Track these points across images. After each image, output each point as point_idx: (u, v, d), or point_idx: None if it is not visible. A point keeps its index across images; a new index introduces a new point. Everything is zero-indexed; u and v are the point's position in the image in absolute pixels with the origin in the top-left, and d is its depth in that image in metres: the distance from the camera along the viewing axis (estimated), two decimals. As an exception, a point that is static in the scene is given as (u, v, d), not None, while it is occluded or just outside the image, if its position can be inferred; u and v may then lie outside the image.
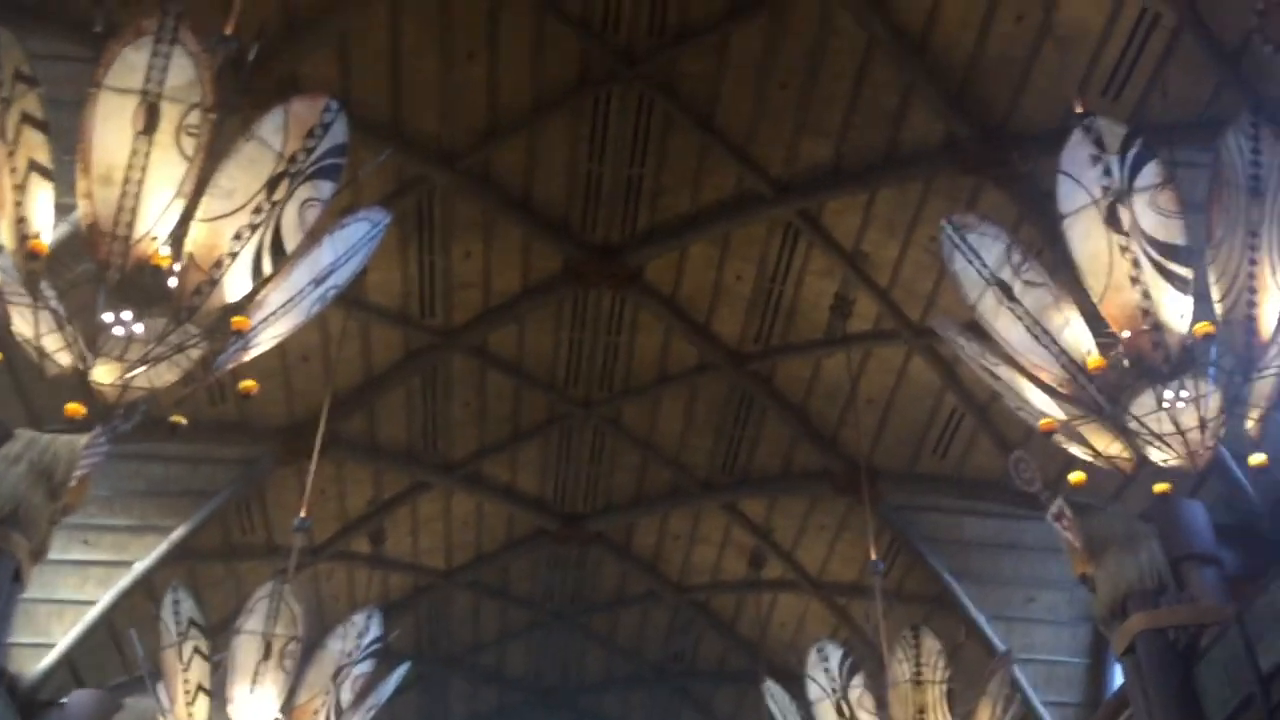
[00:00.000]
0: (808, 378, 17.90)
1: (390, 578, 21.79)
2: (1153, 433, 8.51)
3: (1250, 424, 8.38)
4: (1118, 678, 16.88)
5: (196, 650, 12.29)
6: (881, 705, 13.54)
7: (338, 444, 17.95)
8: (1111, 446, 8.94)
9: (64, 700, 16.53)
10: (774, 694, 14.92)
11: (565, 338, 17.93)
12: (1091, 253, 8.56)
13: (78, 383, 8.31)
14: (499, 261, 16.61)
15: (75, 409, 8.35)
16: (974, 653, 17.48)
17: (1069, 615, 17.87)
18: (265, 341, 8.98)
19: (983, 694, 12.86)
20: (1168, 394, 8.33)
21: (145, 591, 16.71)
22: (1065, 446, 9.30)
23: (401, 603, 21.93)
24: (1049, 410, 9.18)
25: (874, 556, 14.82)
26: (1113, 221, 8.42)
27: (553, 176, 15.74)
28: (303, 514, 13.92)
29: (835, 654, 13.93)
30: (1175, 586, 12.56)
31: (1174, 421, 8.36)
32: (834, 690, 13.57)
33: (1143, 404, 8.51)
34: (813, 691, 13.94)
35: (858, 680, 13.68)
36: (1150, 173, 8.46)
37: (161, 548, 16.99)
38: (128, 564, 16.83)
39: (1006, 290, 9.09)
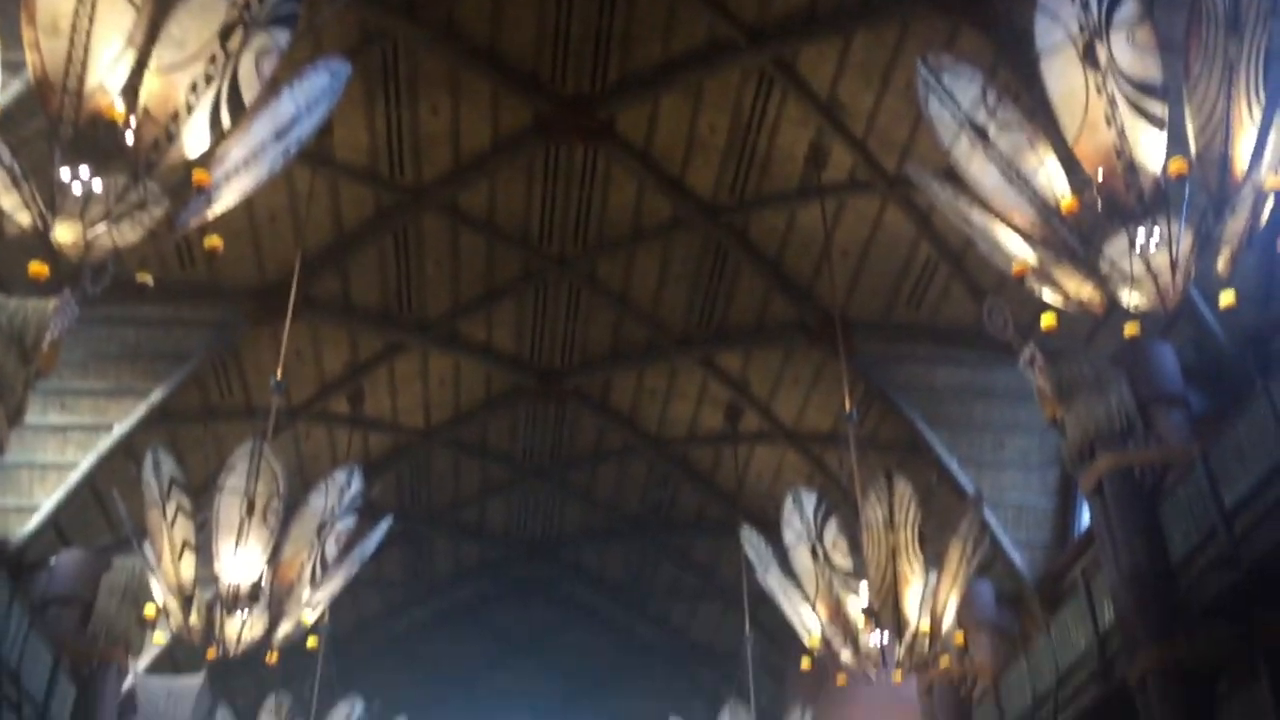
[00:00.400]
0: (782, 230, 17.80)
1: (370, 438, 21.98)
2: (1124, 274, 8.51)
3: (1221, 263, 8.37)
4: (1085, 519, 17.35)
5: (180, 509, 12.37)
6: (855, 548, 13.84)
7: (311, 305, 17.88)
8: (1083, 289, 8.93)
9: (52, 561, 16.80)
10: (750, 540, 15.22)
11: (538, 193, 17.69)
12: (1067, 91, 8.41)
13: (39, 243, 8.15)
14: (468, 116, 16.26)
15: (39, 269, 8.21)
16: (945, 498, 17.88)
17: (1038, 459, 18.22)
18: (229, 198, 8.80)
19: (953, 535, 13.17)
20: (1140, 234, 8.30)
21: (126, 454, 16.76)
22: (1037, 291, 9.30)
23: (382, 462, 22.17)
24: (1022, 254, 9.16)
25: (848, 406, 14.96)
26: (1089, 59, 8.26)
27: (520, 26, 15.28)
28: (278, 375, 13.89)
29: (810, 500, 14.17)
30: (1142, 428, 12.83)
31: (1146, 262, 8.35)
32: (809, 535, 13.85)
33: (1115, 245, 8.49)
34: (788, 537, 14.22)
35: (832, 525, 13.95)
36: (1128, 8, 8.27)
37: (140, 410, 17.00)
38: (107, 427, 16.86)
39: (981, 133, 8.98)
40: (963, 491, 17.43)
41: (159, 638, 17.61)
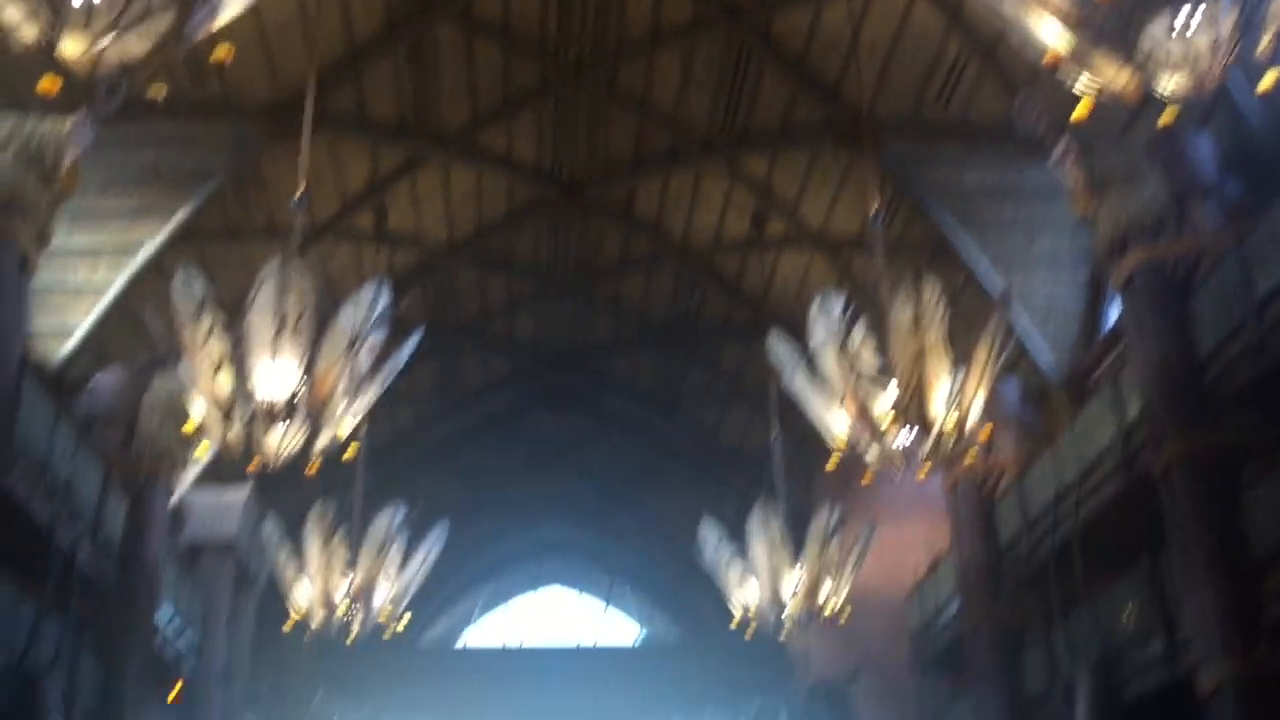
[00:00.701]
0: (807, 27, 17.24)
1: (396, 254, 21.98)
2: (1162, 58, 8.21)
3: (1262, 45, 8.04)
4: (1114, 316, 17.30)
5: (213, 326, 12.47)
6: (882, 350, 13.82)
7: (328, 120, 17.55)
8: (1119, 76, 8.63)
9: (92, 382, 17.14)
10: (777, 344, 15.22)
11: (553, -4, 17.18)
12: None
13: (47, 58, 7.99)
14: (477, -86, 15.65)
15: (49, 85, 8.07)
16: (973, 298, 17.79)
17: (1068, 257, 18.00)
18: (235, 6, 8.56)
19: (981, 332, 13.12)
20: (1180, 15, 7.96)
21: (156, 273, 16.83)
22: (1070, 80, 8.99)
23: (409, 277, 22.23)
24: (1055, 42, 8.81)
25: (875, 208, 14.73)
26: None
27: None
28: (299, 192, 13.78)
29: (837, 303, 14.08)
30: (1176, 219, 12.62)
31: (1185, 45, 8.04)
32: (836, 337, 13.81)
33: (1153, 28, 8.16)
34: (815, 339, 14.18)
35: (859, 327, 13.89)
36: None
37: (165, 230, 16.99)
38: (135, 247, 16.89)
39: (1015, -89, 8.53)
40: (991, 291, 17.33)
41: (202, 452, 18.08)
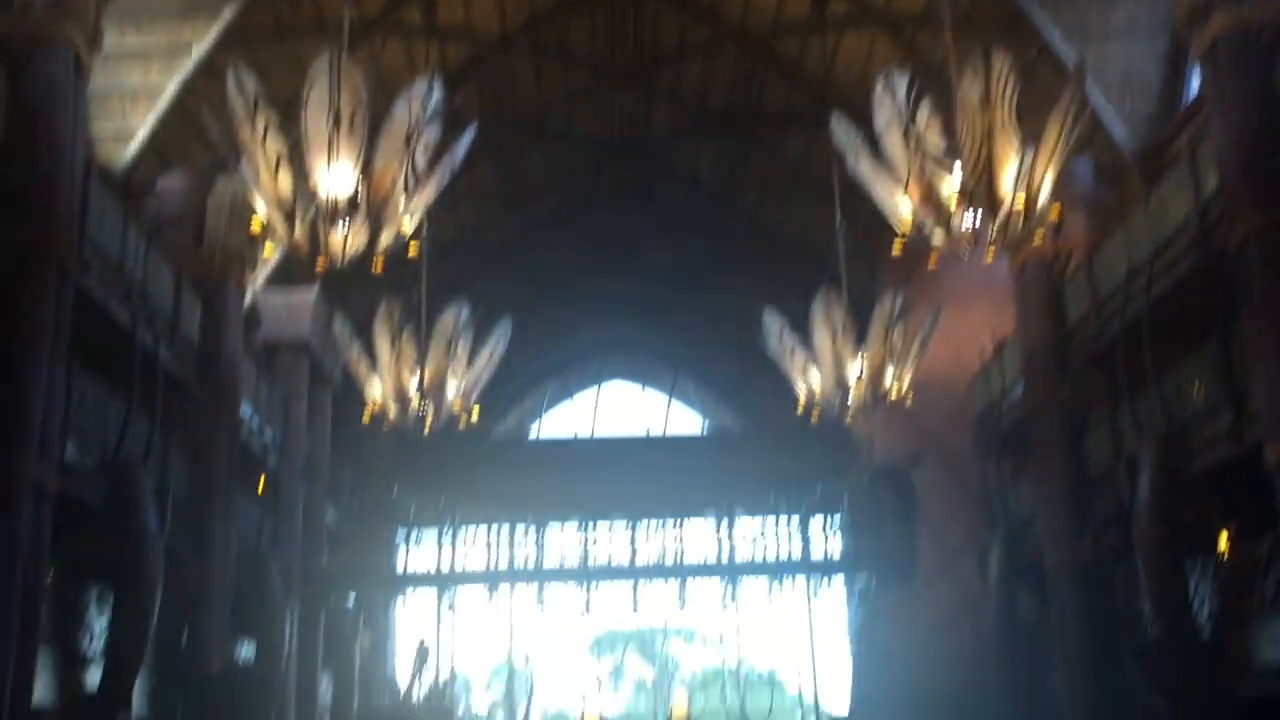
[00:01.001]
0: None
1: (447, 48, 21.53)
2: None
3: None
4: (1193, 89, 16.60)
5: (269, 124, 12.41)
6: (949, 130, 13.40)
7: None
8: None
9: (157, 186, 17.31)
10: (840, 128, 14.80)
11: None
12: None
13: None
14: None
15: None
16: (1046, 75, 17.09)
17: (1147, 26, 17.15)
18: None
19: (1053, 108, 12.65)
20: None
21: (209, 74, 16.69)
22: None
23: (462, 72, 21.83)
24: None
25: (943, -21, 14.02)
26: None
27: None
28: (346, -16, 13.49)
29: (901, 82, 13.59)
30: (1265, -21, 11.94)
31: None
32: (900, 117, 13.40)
33: None
34: (879, 121, 13.75)
35: (925, 106, 13.43)
36: None
37: (215, 29, 16.74)
38: (186, 48, 16.70)
39: None
40: (1065, 66, 16.61)
41: (269, 253, 18.33)
